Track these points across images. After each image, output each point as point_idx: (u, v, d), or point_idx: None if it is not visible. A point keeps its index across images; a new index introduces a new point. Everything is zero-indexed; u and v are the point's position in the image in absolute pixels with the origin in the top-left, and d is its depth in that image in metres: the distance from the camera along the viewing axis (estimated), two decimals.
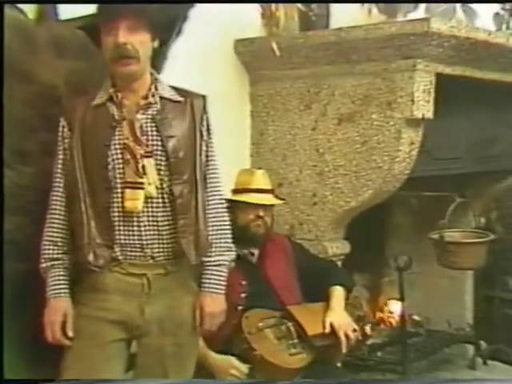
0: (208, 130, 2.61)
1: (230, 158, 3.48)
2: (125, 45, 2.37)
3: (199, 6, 3.03)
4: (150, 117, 2.48)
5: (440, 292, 4.77)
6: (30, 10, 2.74)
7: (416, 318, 4.52)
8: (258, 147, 3.88)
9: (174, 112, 2.52)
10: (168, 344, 2.53)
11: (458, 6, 3.93)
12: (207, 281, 2.63)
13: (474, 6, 4.06)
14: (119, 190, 2.42)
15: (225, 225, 2.66)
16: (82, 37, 2.81)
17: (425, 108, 3.38)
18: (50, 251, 2.47)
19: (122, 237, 2.45)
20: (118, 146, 2.43)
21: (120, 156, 2.42)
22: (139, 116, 2.46)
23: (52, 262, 2.47)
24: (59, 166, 2.49)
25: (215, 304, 2.63)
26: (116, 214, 2.43)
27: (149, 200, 2.44)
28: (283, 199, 3.46)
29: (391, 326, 4.34)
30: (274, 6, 3.62)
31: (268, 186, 3.33)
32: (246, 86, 3.87)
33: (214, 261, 2.63)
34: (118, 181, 2.42)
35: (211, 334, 2.69)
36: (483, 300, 5.04)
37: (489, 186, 4.64)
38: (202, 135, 2.57)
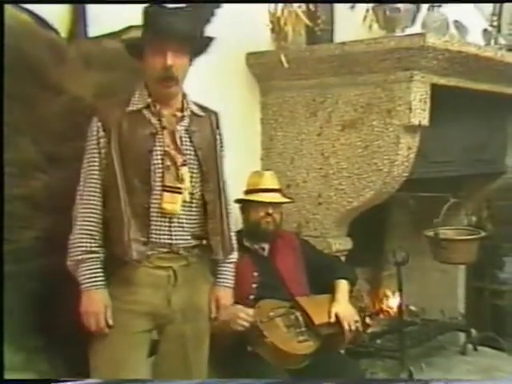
0: (221, 143, 2.68)
1: (243, 161, 3.53)
2: (171, 67, 2.41)
3: (215, 23, 3.08)
4: (184, 128, 2.52)
5: (434, 284, 4.76)
6: (62, 29, 2.78)
7: (412, 308, 4.51)
8: (268, 151, 3.87)
9: (198, 125, 2.57)
10: (188, 329, 2.57)
11: (451, 22, 3.93)
12: (223, 276, 2.72)
13: (465, 22, 4.05)
14: (157, 193, 2.45)
15: (233, 227, 2.74)
16: (108, 52, 2.87)
17: (421, 116, 3.37)
18: (88, 244, 2.43)
19: (154, 235, 2.47)
20: (158, 153, 2.46)
21: (160, 162, 2.45)
22: (178, 127, 2.51)
23: (89, 255, 2.43)
24: (95, 163, 2.47)
25: (229, 297, 2.73)
26: (153, 214, 2.45)
27: (182, 204, 2.48)
28: (290, 198, 3.47)
29: (390, 316, 4.34)
30: (282, 21, 3.62)
31: (276, 186, 3.36)
32: (257, 95, 3.86)
33: (229, 258, 2.72)
34: (157, 184, 2.45)
35: (225, 323, 2.74)
36: (474, 291, 5.03)
37: (480, 187, 4.62)
38: (217, 148, 2.64)
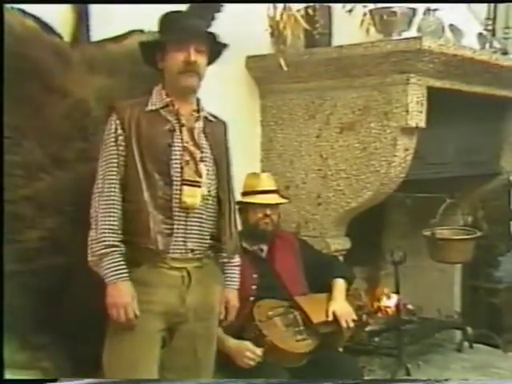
0: (228, 151, 2.71)
1: (243, 163, 3.53)
2: (195, 62, 2.49)
3: (215, 26, 3.09)
4: (201, 128, 2.58)
5: (431, 283, 4.76)
6: (65, 33, 2.79)
7: (410, 306, 4.51)
8: (268, 153, 3.88)
9: (211, 128, 2.63)
10: (200, 328, 2.59)
11: (446, 26, 3.93)
12: (231, 278, 2.76)
13: (460, 26, 4.06)
14: (177, 187, 2.47)
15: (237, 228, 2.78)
16: (110, 56, 2.88)
17: (418, 118, 3.38)
18: (111, 238, 2.43)
19: (175, 228, 2.48)
20: (177, 148, 2.49)
21: (179, 156, 2.48)
22: (196, 125, 2.56)
23: (112, 249, 2.42)
24: (114, 160, 2.48)
25: (236, 298, 2.76)
26: (174, 207, 2.47)
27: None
28: (288, 198, 3.47)
29: (387, 315, 4.34)
30: (281, 25, 3.62)
31: (273, 187, 3.36)
32: (257, 98, 3.87)
33: (235, 261, 2.76)
34: (176, 178, 2.47)
35: (231, 323, 2.77)
36: (470, 290, 5.03)
37: (475, 188, 4.62)
38: (228, 152, 2.69)
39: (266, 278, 3.20)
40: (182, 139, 2.51)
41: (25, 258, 2.61)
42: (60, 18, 2.81)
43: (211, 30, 3.06)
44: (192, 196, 2.48)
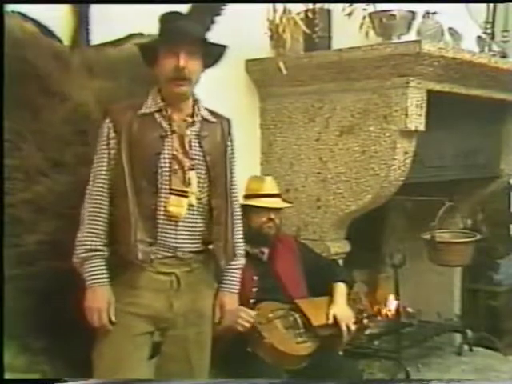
0: (232, 150, 2.68)
1: (242, 165, 3.52)
2: (183, 68, 2.41)
3: (215, 30, 3.09)
4: (194, 133, 2.52)
5: (431, 286, 4.75)
6: (64, 37, 2.79)
7: (409, 309, 4.51)
8: (267, 156, 3.87)
9: (208, 131, 2.57)
10: (191, 333, 2.57)
11: (445, 29, 3.94)
12: (228, 281, 2.71)
13: (459, 29, 4.06)
14: (163, 196, 2.44)
15: (241, 233, 2.74)
16: (110, 60, 2.88)
17: (417, 121, 3.38)
18: (93, 242, 2.42)
19: (160, 237, 2.46)
20: (166, 156, 2.45)
21: (168, 165, 2.45)
22: (187, 132, 2.51)
23: (93, 253, 2.42)
24: (104, 163, 2.46)
25: (233, 302, 2.72)
26: (159, 216, 2.44)
27: (188, 208, 2.47)
28: (291, 203, 3.47)
29: (387, 318, 4.34)
30: (281, 28, 3.63)
31: (276, 191, 3.36)
32: (256, 101, 3.86)
33: (234, 264, 2.71)
34: (164, 187, 2.44)
35: (229, 327, 2.75)
36: (470, 293, 5.02)
37: (475, 191, 4.62)
38: (228, 154, 2.64)
39: (266, 280, 3.20)
40: (171, 147, 2.47)
41: (24, 262, 2.61)
42: (60, 21, 2.81)
43: (211, 32, 3.09)
44: (178, 206, 2.45)
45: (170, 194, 2.44)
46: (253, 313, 2.99)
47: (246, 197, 3.30)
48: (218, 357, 2.75)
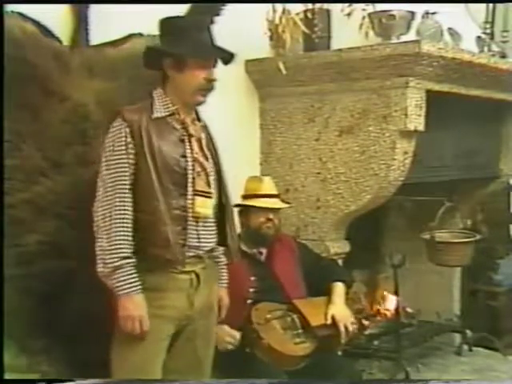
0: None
1: (242, 165, 3.53)
2: (214, 80, 2.52)
3: (215, 30, 3.09)
4: (204, 137, 2.60)
5: (430, 286, 4.75)
6: (64, 37, 2.80)
7: (409, 310, 4.49)
8: (267, 156, 3.87)
9: (209, 136, 2.65)
10: (200, 326, 2.61)
11: (445, 29, 3.94)
12: (224, 277, 2.80)
13: (458, 30, 4.07)
14: (190, 198, 2.49)
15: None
16: (109, 60, 2.88)
17: (417, 121, 3.38)
18: (125, 249, 2.40)
19: (188, 238, 2.50)
20: (189, 159, 2.51)
21: (191, 167, 2.50)
22: (203, 135, 2.58)
23: (126, 260, 2.40)
24: (125, 169, 2.44)
25: (227, 296, 2.80)
26: (188, 218, 2.49)
27: None
28: (289, 203, 3.47)
29: (386, 318, 4.34)
30: (280, 28, 3.63)
31: (275, 191, 3.36)
32: (256, 101, 3.86)
33: (224, 260, 2.80)
34: (190, 189, 2.49)
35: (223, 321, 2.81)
36: (469, 293, 5.02)
37: (474, 191, 4.62)
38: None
39: (264, 280, 3.20)
40: (191, 150, 2.52)
41: (24, 262, 2.61)
42: (59, 21, 2.81)
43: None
44: (204, 206, 2.52)
45: (196, 195, 2.49)
46: (237, 334, 2.99)
47: (245, 197, 3.30)
48: (217, 357, 2.75)
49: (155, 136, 2.47)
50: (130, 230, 2.43)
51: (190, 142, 2.52)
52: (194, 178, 2.50)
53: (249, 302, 3.12)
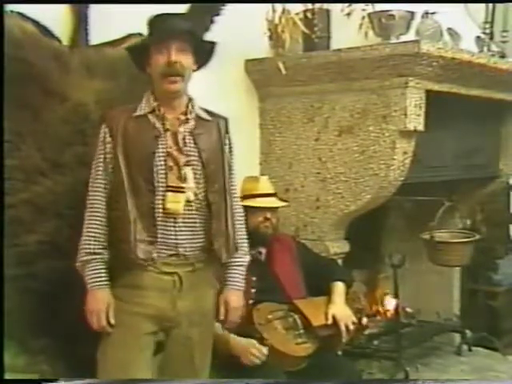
0: (230, 148, 2.70)
1: (241, 165, 3.53)
2: (175, 63, 2.43)
3: (214, 30, 3.10)
4: (188, 131, 2.54)
5: (430, 286, 4.76)
6: (64, 37, 2.80)
7: (408, 310, 4.50)
8: (267, 156, 3.88)
9: (204, 129, 2.58)
10: (195, 333, 2.57)
11: (444, 29, 3.94)
12: (232, 279, 2.71)
13: (458, 30, 4.07)
14: (161, 193, 2.46)
15: (244, 229, 2.75)
16: (109, 60, 2.89)
17: (416, 121, 3.38)
18: (91, 246, 2.45)
19: (160, 235, 2.47)
20: (161, 154, 2.47)
21: (163, 163, 2.47)
22: (181, 129, 2.52)
23: (93, 256, 2.45)
24: (100, 168, 2.49)
25: (239, 299, 2.71)
26: (158, 214, 2.46)
27: (186, 204, 2.49)
28: (287, 201, 3.46)
29: (386, 318, 4.35)
30: (280, 28, 3.63)
31: (272, 191, 3.36)
32: (256, 101, 3.87)
33: (238, 261, 2.71)
34: (161, 184, 2.47)
35: (233, 325, 2.74)
36: (469, 293, 5.01)
37: (474, 191, 4.62)
38: (225, 152, 2.65)
39: (265, 281, 3.20)
40: (165, 144, 2.49)
41: (24, 262, 2.61)
42: (59, 21, 2.82)
43: (210, 32, 3.10)
44: (175, 202, 2.46)
45: (167, 190, 2.46)
46: (265, 349, 2.96)
47: (242, 197, 3.28)
48: (217, 357, 2.75)
49: (131, 134, 2.48)
50: (100, 227, 2.47)
51: (165, 136, 2.50)
52: (166, 174, 2.47)
53: (250, 302, 3.10)
